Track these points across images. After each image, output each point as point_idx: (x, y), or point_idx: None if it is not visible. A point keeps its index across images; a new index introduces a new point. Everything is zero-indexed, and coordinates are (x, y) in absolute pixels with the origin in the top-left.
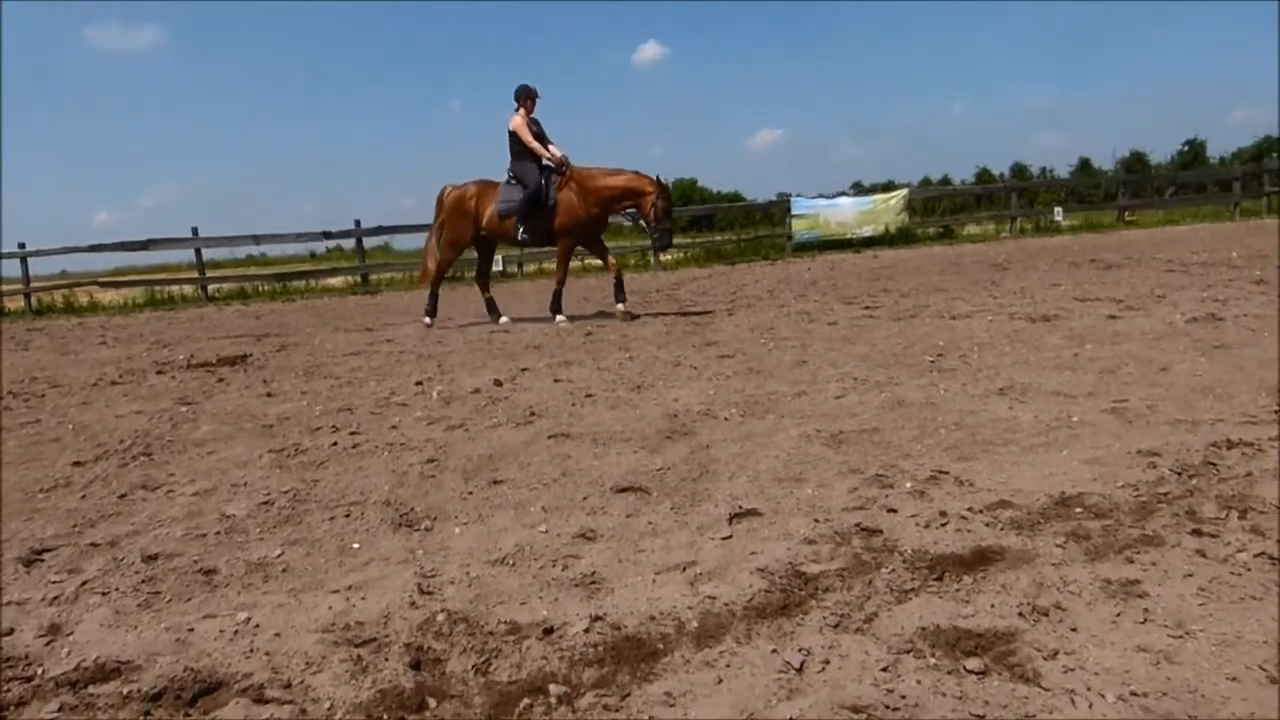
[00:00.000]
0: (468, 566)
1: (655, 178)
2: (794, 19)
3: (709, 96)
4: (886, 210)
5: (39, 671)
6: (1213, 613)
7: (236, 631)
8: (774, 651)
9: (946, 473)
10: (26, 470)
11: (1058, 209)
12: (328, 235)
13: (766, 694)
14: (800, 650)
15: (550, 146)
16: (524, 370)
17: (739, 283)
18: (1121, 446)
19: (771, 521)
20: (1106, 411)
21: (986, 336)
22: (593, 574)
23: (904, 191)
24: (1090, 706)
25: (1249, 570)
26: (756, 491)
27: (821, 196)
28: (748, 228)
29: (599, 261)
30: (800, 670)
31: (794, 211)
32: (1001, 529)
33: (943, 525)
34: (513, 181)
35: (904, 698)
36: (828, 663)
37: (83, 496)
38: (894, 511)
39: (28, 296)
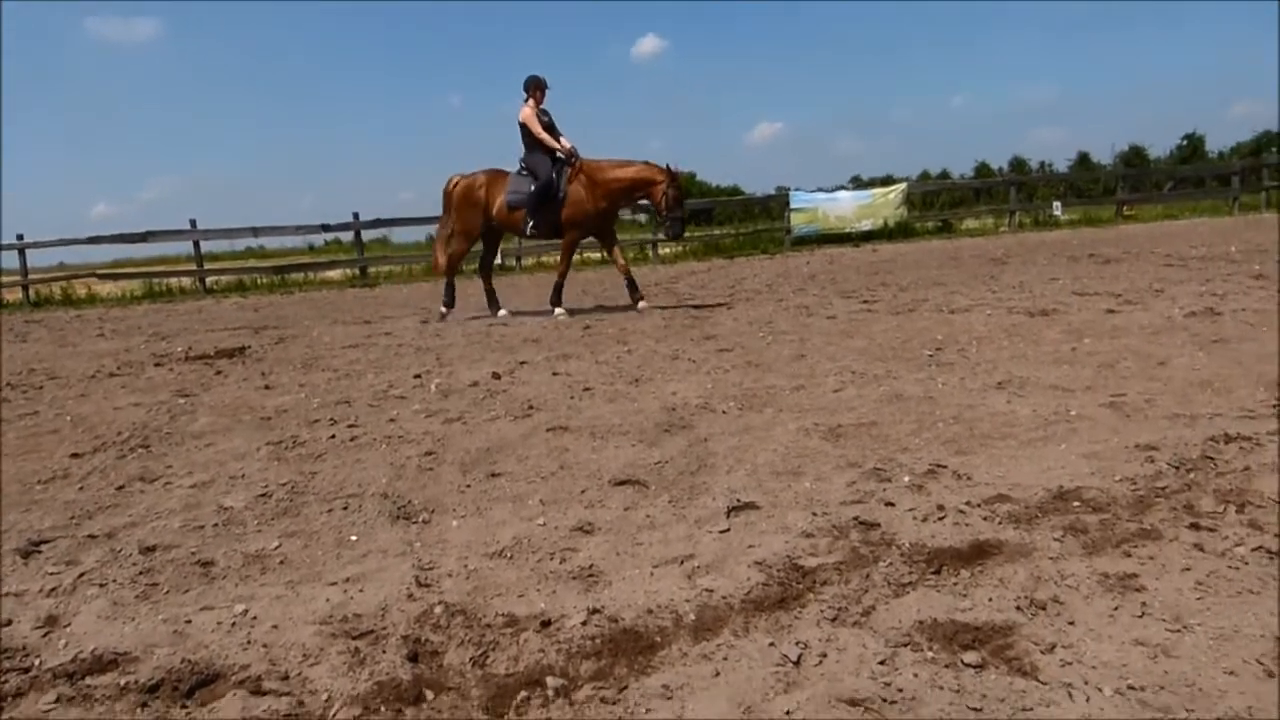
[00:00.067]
0: (465, 559)
1: (666, 166)
2: (793, 12)
3: (708, 90)
4: (885, 204)
5: (36, 663)
6: (1210, 607)
7: (234, 623)
8: (771, 645)
9: (944, 466)
10: (24, 462)
11: (1056, 203)
12: (326, 228)
13: (764, 687)
14: (798, 643)
15: (561, 138)
16: (522, 363)
17: (738, 276)
18: (1119, 440)
19: (769, 515)
20: (1104, 405)
21: (985, 330)
22: (590, 567)
23: (903, 185)
24: (1088, 700)
25: (1247, 564)
26: (754, 485)
27: (820, 190)
28: (746, 221)
29: (602, 255)
30: (798, 663)
31: (793, 205)
32: (999, 523)
33: (940, 519)
34: (524, 172)
35: (901, 691)
36: (825, 656)
37: (80, 488)
38: (892, 505)
39: (26, 288)
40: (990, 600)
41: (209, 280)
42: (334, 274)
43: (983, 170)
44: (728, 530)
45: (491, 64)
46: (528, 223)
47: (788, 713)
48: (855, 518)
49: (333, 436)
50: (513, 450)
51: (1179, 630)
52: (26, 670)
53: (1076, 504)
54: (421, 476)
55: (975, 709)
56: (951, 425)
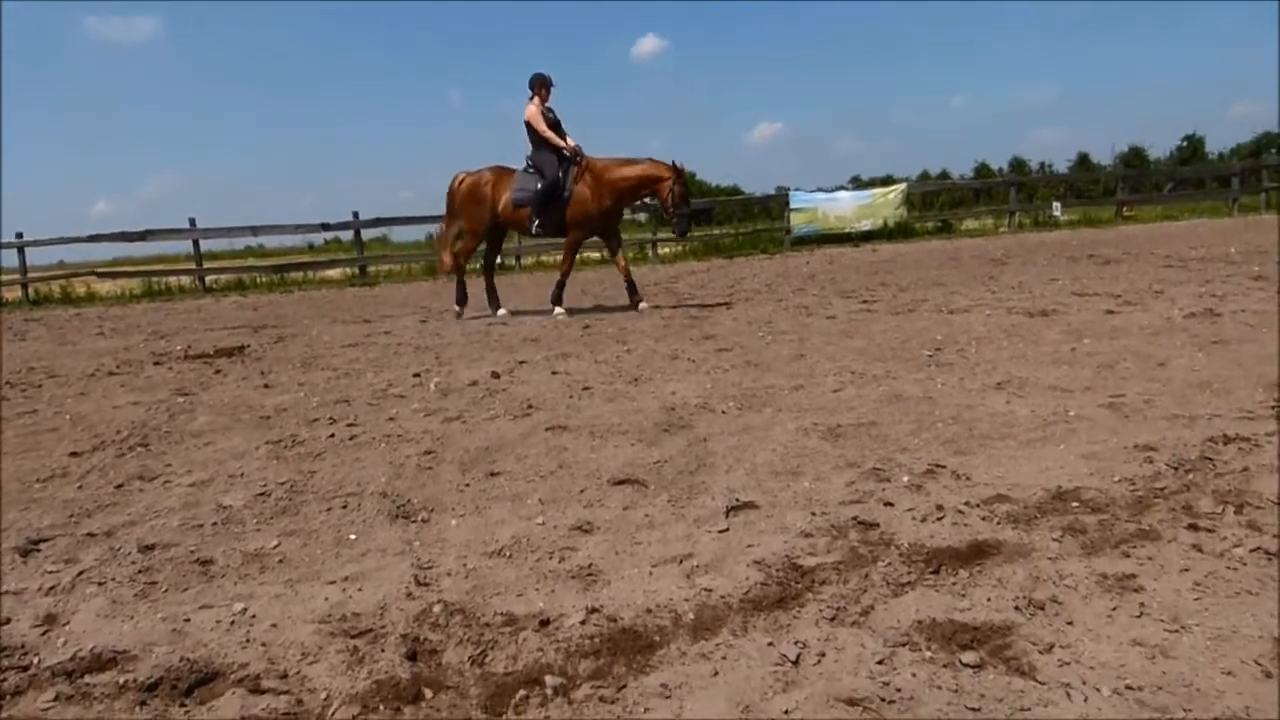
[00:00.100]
0: (464, 558)
1: (672, 163)
2: (793, 12)
3: (708, 90)
4: (885, 204)
5: (35, 661)
6: (1209, 607)
7: (233, 622)
8: (770, 644)
9: (943, 466)
10: (23, 460)
11: (1056, 204)
12: (326, 227)
13: (762, 686)
14: (796, 643)
15: (566, 137)
16: (522, 363)
17: (737, 276)
18: (1118, 441)
19: (768, 514)
20: (1103, 406)
21: (984, 331)
22: (589, 566)
23: (902, 185)
24: (1086, 700)
25: (1245, 565)
26: (753, 484)
27: (820, 190)
28: (746, 221)
29: (602, 254)
30: (796, 663)
31: (792, 205)
32: (998, 523)
33: (939, 519)
34: (531, 170)
35: (899, 690)
36: (824, 655)
37: (80, 487)
38: (891, 505)
39: (25, 286)
40: (989, 600)
41: (208, 279)
42: (333, 273)
43: (982, 171)
44: (727, 530)
45: (491, 62)
46: (533, 221)
47: (786, 712)
48: (854, 518)
49: (332, 435)
50: (512, 449)
51: (1177, 631)
52: (25, 668)
53: (1075, 504)
54: (421, 475)
55: (973, 709)
56: (951, 425)
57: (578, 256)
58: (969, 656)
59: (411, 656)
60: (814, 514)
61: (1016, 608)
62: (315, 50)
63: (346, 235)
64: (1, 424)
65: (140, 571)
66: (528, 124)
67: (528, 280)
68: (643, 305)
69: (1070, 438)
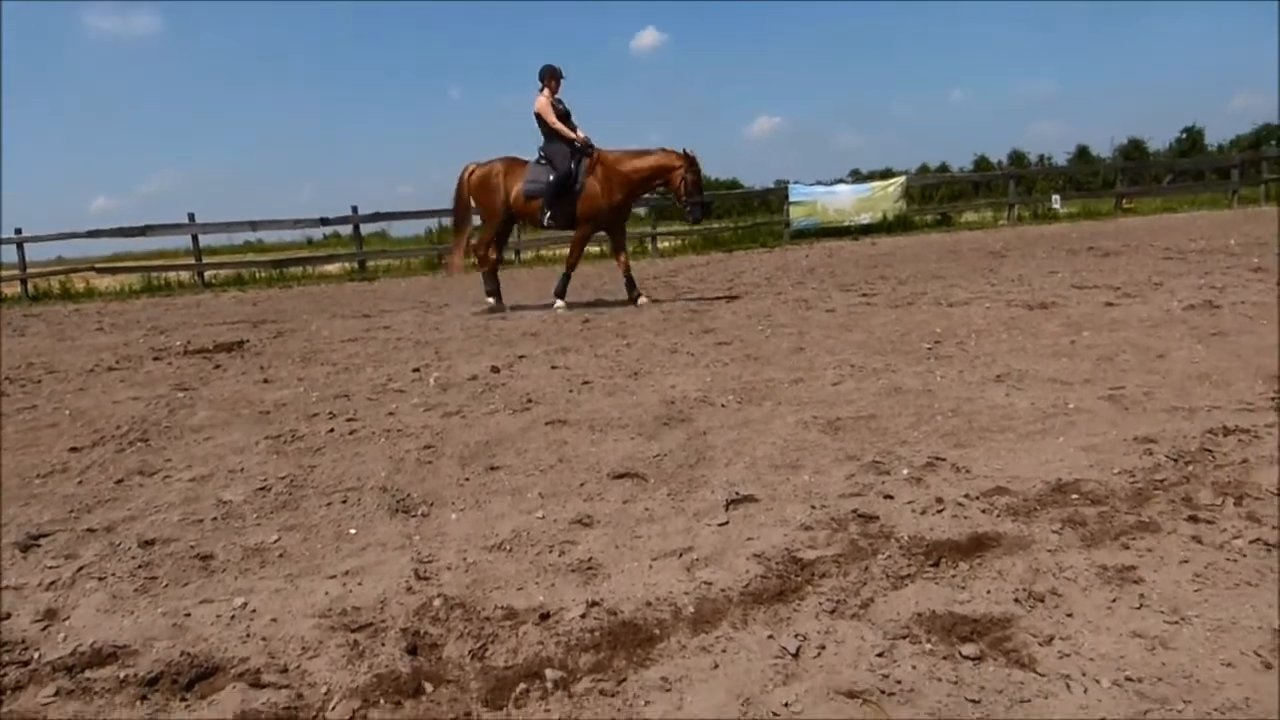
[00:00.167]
0: (464, 552)
1: (683, 150)
2: (793, 6)
3: (708, 83)
4: (884, 197)
5: (36, 656)
6: (1208, 599)
7: (233, 616)
8: (770, 637)
9: (943, 459)
10: (23, 456)
11: (1056, 196)
12: (325, 222)
13: (762, 679)
14: (796, 636)
15: (576, 129)
16: (521, 357)
17: (737, 270)
18: (1118, 433)
19: (768, 508)
20: (1103, 398)
21: (984, 324)
22: (589, 560)
23: (902, 179)
24: (1085, 692)
25: (1245, 556)
26: (753, 478)
27: (820, 184)
28: (745, 215)
29: (603, 249)
30: (796, 656)
31: (792, 199)
32: (998, 515)
33: (939, 511)
34: (543, 162)
35: (900, 683)
36: (824, 648)
37: (79, 482)
38: (890, 498)
39: (24, 282)
40: (989, 592)
41: (207, 274)
42: (333, 268)
43: (982, 164)
44: (726, 523)
45: (491, 57)
46: (544, 213)
47: (786, 704)
48: (854, 510)
49: (331, 430)
50: (511, 443)
51: (1177, 622)
52: (26, 663)
53: (1075, 496)
54: (420, 470)
55: (973, 700)
56: (950, 418)
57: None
58: (969, 649)
59: (412, 650)
60: (814, 507)
61: (1016, 600)
62: (314, 45)
63: (346, 230)
64: (1, 419)
65: (140, 566)
66: (538, 116)
67: (528, 275)
68: (642, 300)
69: (1070, 430)
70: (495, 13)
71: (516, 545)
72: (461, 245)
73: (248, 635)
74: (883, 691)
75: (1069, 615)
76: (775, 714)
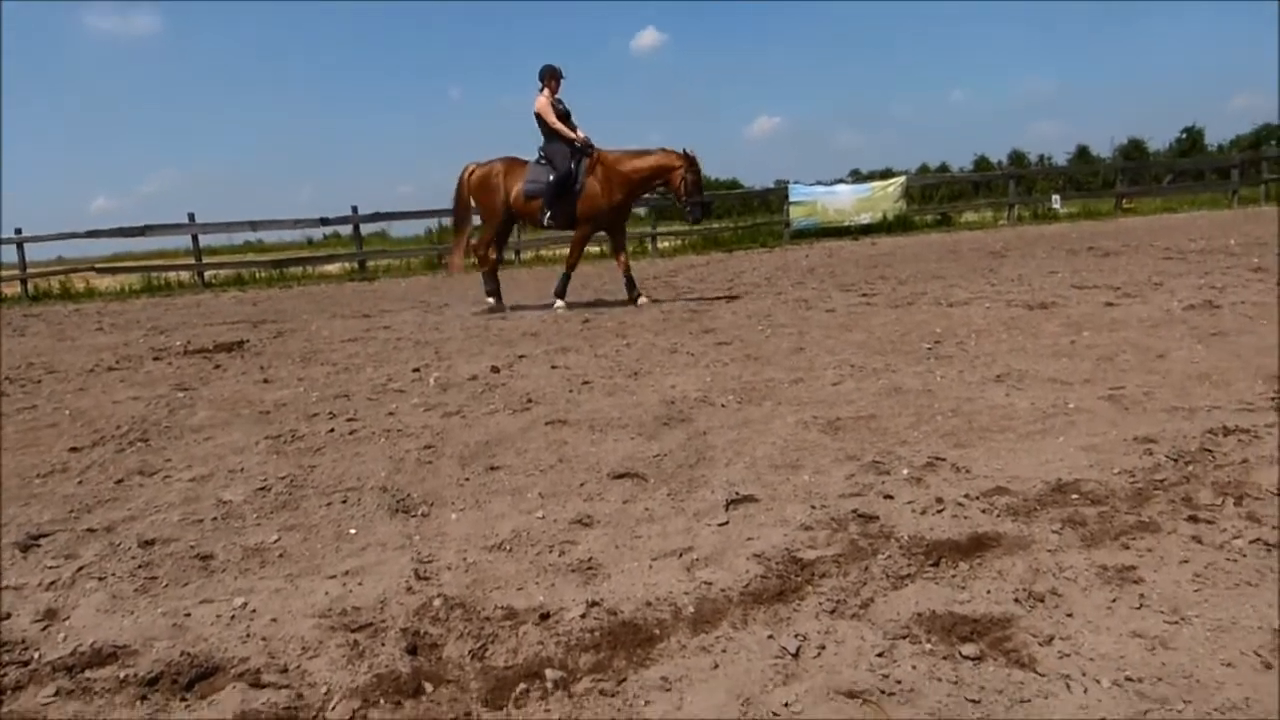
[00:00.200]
0: (464, 552)
1: (683, 150)
2: (793, 6)
3: (708, 83)
4: (884, 197)
5: (36, 656)
6: (1208, 599)
7: (233, 616)
8: (770, 637)
9: (943, 459)
10: (23, 456)
11: (1056, 196)
12: (325, 222)
13: (762, 679)
14: (796, 636)
15: (577, 130)
16: (521, 357)
17: (736, 270)
18: (1118, 433)
19: (768, 508)
20: (1103, 398)
21: (984, 324)
22: (589, 560)
23: (902, 179)
24: (1085, 692)
25: (1245, 556)
26: (753, 478)
27: (820, 184)
28: (745, 215)
29: (603, 249)
30: (796, 656)
31: (792, 199)
32: (998, 515)
33: (939, 511)
34: (543, 162)
35: (899, 683)
36: (824, 648)
37: (79, 482)
38: (890, 498)
39: (24, 282)
40: (989, 592)
41: (207, 274)
42: (333, 268)
43: (982, 164)
44: (726, 523)
45: (491, 57)
46: (545, 213)
47: (786, 704)
48: (854, 510)
49: (332, 430)
50: (511, 443)
51: (1177, 622)
52: (26, 663)
53: (1075, 496)
54: (420, 470)
55: (973, 700)
56: (950, 418)
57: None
58: (969, 649)
59: (412, 650)
60: (814, 507)
61: (1016, 600)
62: (314, 44)
63: (346, 230)
64: (1, 419)
65: (140, 566)
66: (538, 116)
67: (527, 275)
68: (642, 300)
69: (1070, 430)
70: (495, 12)
71: (516, 545)
72: (462, 245)
73: (248, 635)
74: (883, 691)
75: (1069, 615)
76: (775, 714)
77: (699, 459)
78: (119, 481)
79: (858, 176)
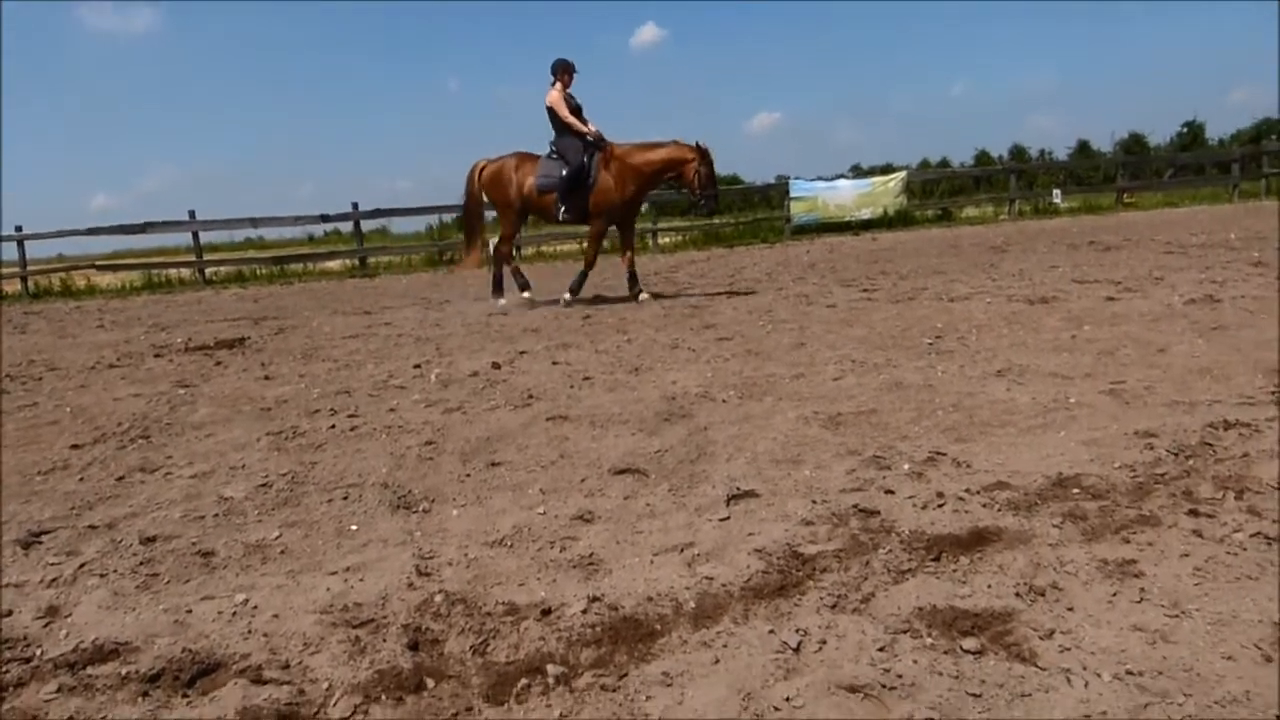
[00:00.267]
0: (466, 548)
1: (695, 143)
2: (792, 1)
3: (708, 79)
4: (885, 193)
5: (37, 653)
6: (1209, 592)
7: (235, 613)
8: (771, 632)
9: (944, 454)
10: (24, 453)
11: (1056, 191)
12: (325, 218)
13: (764, 674)
14: (797, 630)
15: (588, 123)
16: (522, 353)
17: (737, 265)
18: (1119, 428)
19: (769, 503)
20: (1104, 393)
21: (985, 318)
22: (590, 555)
23: (902, 174)
24: (1086, 685)
25: (1245, 550)
26: (754, 473)
27: (820, 179)
28: (746, 210)
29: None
30: (797, 650)
31: (792, 194)
32: (999, 510)
33: (940, 506)
34: (554, 156)
35: (900, 677)
36: (825, 643)
37: (81, 479)
38: (891, 493)
39: (25, 280)
40: (989, 587)
41: (208, 271)
42: (333, 264)
43: (982, 158)
44: (727, 518)
45: (490, 51)
46: (559, 207)
47: (787, 699)
48: (855, 505)
49: (333, 426)
50: (513, 439)
51: (1177, 616)
52: (28, 660)
53: (1076, 491)
54: (422, 466)
55: (974, 694)
56: (951, 413)
57: (576, 246)
58: (970, 643)
59: (413, 646)
60: (815, 502)
61: (1017, 594)
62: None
63: (346, 226)
64: (2, 417)
65: (142, 563)
66: (550, 109)
67: (529, 270)
68: (643, 296)
69: (1071, 424)
70: (494, 7)
71: (518, 541)
72: (476, 243)
73: (249, 632)
74: (884, 686)
75: (1070, 609)
76: (776, 708)
77: (700, 454)
78: (120, 478)
79: (858, 172)
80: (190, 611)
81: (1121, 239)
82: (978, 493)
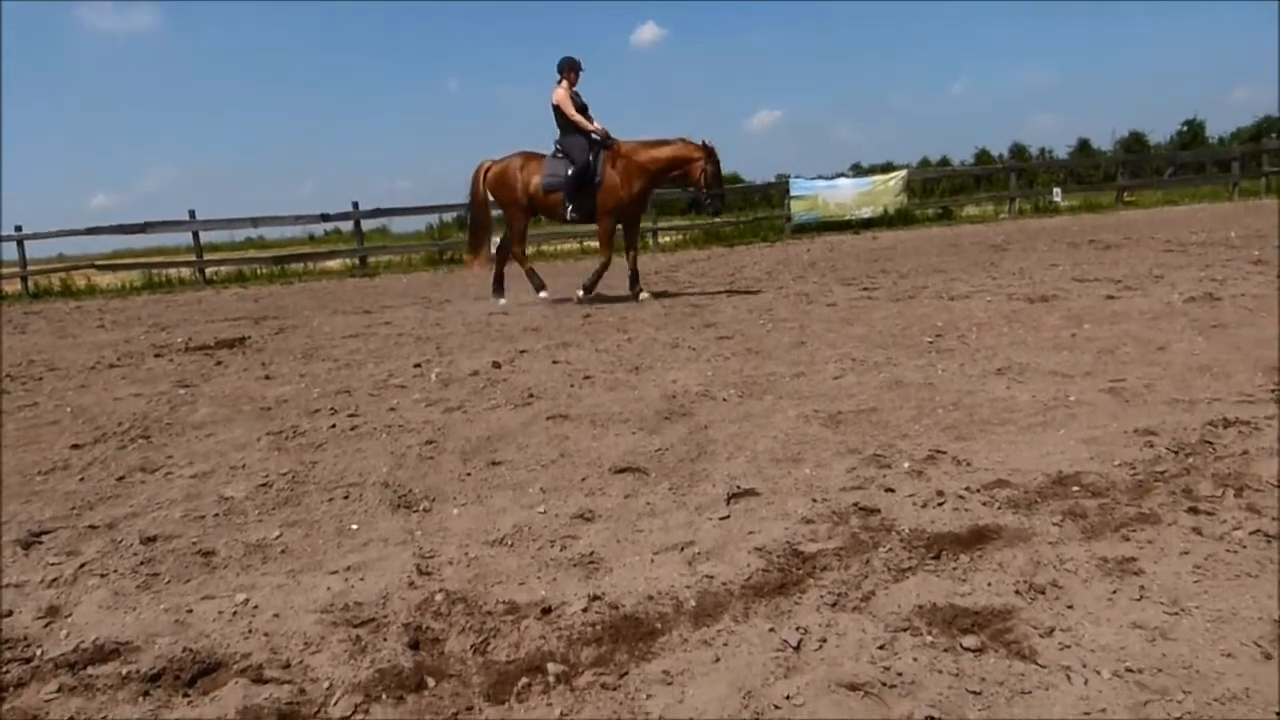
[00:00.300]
0: (466, 547)
1: (702, 142)
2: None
3: (707, 78)
4: (885, 191)
5: (38, 653)
6: (1208, 590)
7: (235, 612)
8: (771, 630)
9: (944, 452)
10: (25, 453)
11: (1056, 190)
12: (326, 218)
13: (764, 672)
14: (798, 629)
15: (593, 122)
16: (522, 352)
17: (738, 264)
18: (1119, 426)
19: (769, 501)
20: (1104, 391)
21: (985, 317)
22: (591, 554)
23: (903, 172)
24: (1086, 683)
25: (1244, 547)
26: (754, 472)
27: (820, 178)
28: (746, 209)
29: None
30: (798, 648)
31: (793, 193)
32: (999, 508)
33: (940, 504)
34: (559, 155)
35: (901, 675)
36: (825, 641)
37: (81, 479)
38: (891, 491)
39: (25, 280)
40: (989, 585)
41: (208, 271)
42: (334, 264)
43: (983, 157)
44: (728, 517)
45: (490, 50)
46: (566, 206)
47: (788, 697)
48: (855, 504)
49: (333, 426)
50: (513, 438)
51: (1177, 613)
52: (28, 660)
53: (1075, 489)
54: (422, 465)
55: (974, 692)
56: (951, 411)
57: (577, 246)
58: (970, 640)
59: (414, 645)
60: (815, 500)
61: (1017, 592)
62: (313, 38)
63: (346, 226)
64: (2, 417)
65: (142, 563)
66: (556, 108)
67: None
68: (643, 295)
69: (1070, 422)
70: (494, 6)
71: (518, 540)
72: (482, 245)
73: (250, 631)
74: (884, 684)
75: (1069, 607)
76: (776, 706)
77: (700, 453)
78: (120, 478)
79: (858, 170)
80: (191, 611)
81: (1121, 237)
82: (978, 491)
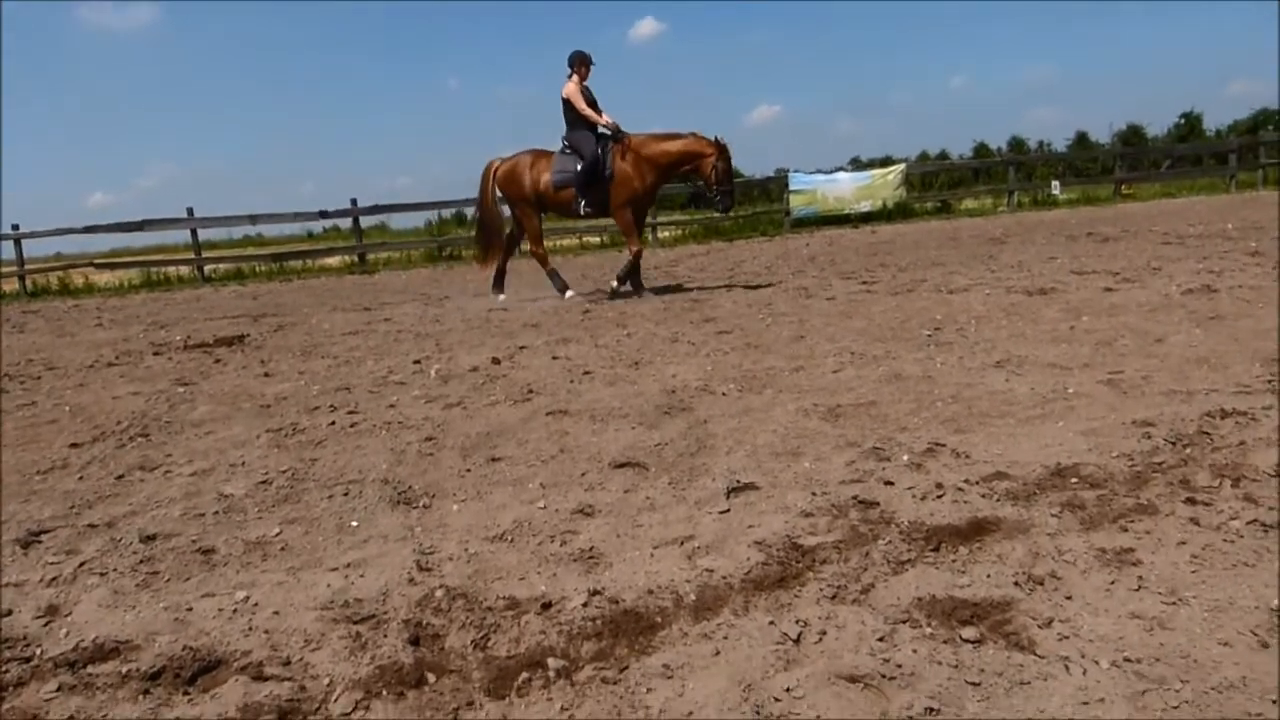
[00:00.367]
0: (466, 543)
1: (714, 138)
2: None
3: (707, 73)
4: (884, 185)
5: (37, 652)
6: (1206, 580)
7: (235, 610)
8: (771, 623)
9: (943, 445)
10: (23, 452)
11: (1055, 183)
12: (324, 215)
13: (764, 665)
14: (798, 621)
15: (603, 114)
16: (522, 348)
17: (737, 259)
18: (1117, 417)
19: (769, 495)
20: (1102, 383)
21: (983, 310)
22: (591, 549)
23: (902, 166)
24: (1085, 673)
25: (1242, 538)
26: (754, 465)
27: (819, 172)
28: (745, 204)
29: (602, 239)
30: (798, 641)
31: (792, 187)
32: (997, 500)
33: (939, 497)
34: (568, 151)
35: (900, 667)
36: (825, 633)
37: (80, 478)
38: (891, 484)
39: (22, 278)
40: (988, 576)
41: (207, 268)
42: (333, 261)
43: (981, 151)
44: (727, 511)
45: (489, 47)
46: (579, 201)
47: (788, 690)
48: (854, 497)
49: (333, 423)
50: (513, 434)
51: (1175, 603)
52: (28, 660)
53: (1074, 480)
54: (422, 462)
55: (974, 683)
56: (950, 404)
57: (575, 241)
58: (969, 632)
59: (414, 641)
60: (814, 494)
61: (1016, 583)
62: (313, 36)
63: (345, 223)
64: (1, 416)
65: (142, 561)
66: (566, 101)
67: (527, 266)
68: (644, 291)
69: (1069, 415)
70: (495, 7)
71: (518, 535)
72: (496, 243)
73: (250, 628)
74: (884, 675)
75: (1068, 598)
76: (776, 699)
77: (700, 447)
78: (120, 477)
79: (857, 164)
80: (191, 609)
81: (1119, 230)
82: (977, 483)
